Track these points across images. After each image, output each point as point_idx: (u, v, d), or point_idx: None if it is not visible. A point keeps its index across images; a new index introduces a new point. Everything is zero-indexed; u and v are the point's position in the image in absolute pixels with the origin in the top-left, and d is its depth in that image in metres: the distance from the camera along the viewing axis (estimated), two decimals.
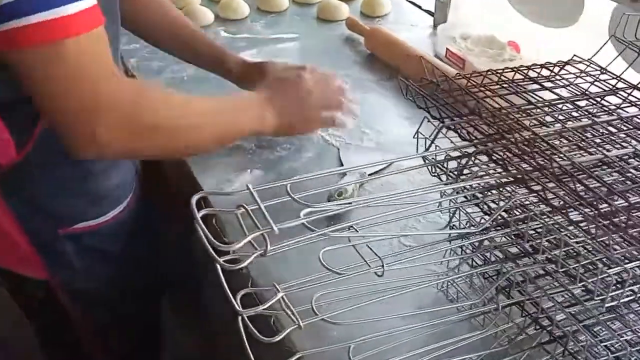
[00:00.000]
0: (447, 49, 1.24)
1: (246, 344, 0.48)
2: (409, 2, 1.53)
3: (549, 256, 0.51)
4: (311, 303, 0.50)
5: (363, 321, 0.54)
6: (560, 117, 0.58)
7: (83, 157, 0.63)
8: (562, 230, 0.47)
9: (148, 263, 0.97)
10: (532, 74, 0.67)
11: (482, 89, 0.62)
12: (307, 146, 0.95)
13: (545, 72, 0.68)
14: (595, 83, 0.67)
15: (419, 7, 1.51)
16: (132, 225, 0.88)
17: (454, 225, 0.63)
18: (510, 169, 0.51)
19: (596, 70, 0.69)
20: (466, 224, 0.63)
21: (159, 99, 0.68)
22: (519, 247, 0.56)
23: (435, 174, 0.62)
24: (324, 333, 0.63)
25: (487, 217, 0.62)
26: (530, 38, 1.26)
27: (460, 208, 0.59)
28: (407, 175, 0.84)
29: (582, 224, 0.48)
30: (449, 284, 0.69)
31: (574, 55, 0.72)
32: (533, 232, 0.53)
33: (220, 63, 0.97)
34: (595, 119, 0.56)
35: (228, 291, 0.44)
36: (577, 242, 0.47)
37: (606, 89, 0.66)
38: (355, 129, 0.99)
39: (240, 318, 0.49)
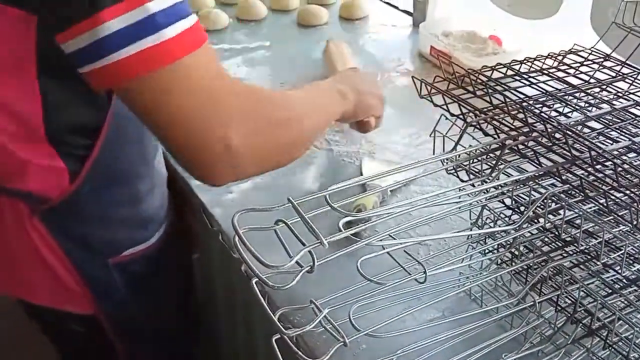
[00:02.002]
0: (431, 46, 1.23)
1: None
2: (386, 3, 1.53)
3: (587, 247, 0.50)
4: (349, 317, 0.48)
5: (401, 332, 0.52)
6: (579, 105, 0.57)
7: (222, 179, 0.58)
8: (601, 217, 0.46)
9: (182, 286, 0.96)
10: (536, 65, 0.67)
11: (492, 83, 0.61)
12: (305, 155, 0.93)
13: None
14: (600, 70, 0.67)
15: (396, 7, 1.51)
16: (171, 250, 0.87)
17: (478, 225, 0.62)
18: (543, 161, 0.50)
19: (599, 57, 0.69)
20: (490, 222, 0.62)
21: (270, 95, 0.66)
22: (554, 240, 0.55)
23: (455, 173, 0.61)
24: (353, 345, 0.61)
25: (507, 212, 0.62)
26: (509, 31, 1.26)
27: (487, 206, 0.58)
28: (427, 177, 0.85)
29: (620, 212, 0.47)
30: (472, 283, 0.68)
31: (575, 44, 0.72)
32: (568, 224, 0.51)
33: None
34: (614, 105, 0.56)
35: (270, 311, 0.41)
36: (618, 231, 0.46)
37: (612, 75, 0.66)
38: (352, 134, 0.98)
39: (274, 339, 0.47)
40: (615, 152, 0.48)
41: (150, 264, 0.83)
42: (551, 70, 0.63)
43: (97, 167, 0.69)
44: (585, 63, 0.68)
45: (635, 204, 0.44)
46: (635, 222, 0.45)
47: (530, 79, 0.61)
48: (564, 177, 0.49)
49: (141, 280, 0.83)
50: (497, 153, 0.54)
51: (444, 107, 0.57)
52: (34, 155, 0.65)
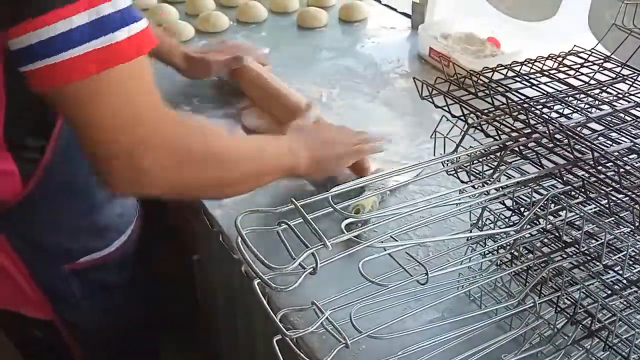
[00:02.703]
0: (430, 48, 1.24)
1: None
2: (385, 5, 1.53)
3: (588, 249, 0.50)
4: (351, 319, 0.48)
5: (401, 334, 0.52)
6: (579, 107, 0.58)
7: (126, 192, 0.59)
8: (602, 219, 0.46)
9: (151, 294, 0.94)
10: (536, 66, 0.67)
11: (494, 84, 0.61)
12: None
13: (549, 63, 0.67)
14: (601, 71, 0.67)
15: (395, 10, 1.51)
16: (136, 256, 0.85)
17: (478, 226, 0.62)
18: (544, 162, 0.50)
19: (599, 59, 0.69)
20: (490, 223, 0.62)
21: (205, 131, 0.64)
22: (554, 241, 0.55)
23: (455, 174, 0.61)
24: (353, 346, 0.61)
25: (507, 213, 0.62)
26: (507, 33, 1.27)
27: (487, 207, 0.58)
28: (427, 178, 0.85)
29: (622, 214, 0.47)
30: (471, 284, 0.68)
31: (575, 45, 0.72)
32: (568, 226, 0.52)
33: (169, 56, 1.04)
34: (615, 106, 0.56)
35: (272, 313, 0.41)
36: (619, 233, 0.46)
37: (612, 76, 0.66)
38: None
39: (275, 340, 0.47)
40: (617, 154, 0.48)
41: (111, 273, 0.81)
42: (551, 72, 0.63)
43: (50, 171, 0.68)
44: (585, 64, 0.68)
45: (637, 205, 0.44)
46: (636, 224, 0.45)
47: (531, 81, 0.61)
48: (565, 179, 0.49)
49: (101, 288, 0.82)
50: (498, 154, 0.54)
51: (445, 108, 0.57)
52: None
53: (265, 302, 0.42)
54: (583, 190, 0.47)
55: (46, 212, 0.72)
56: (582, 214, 0.47)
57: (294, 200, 0.41)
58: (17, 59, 0.50)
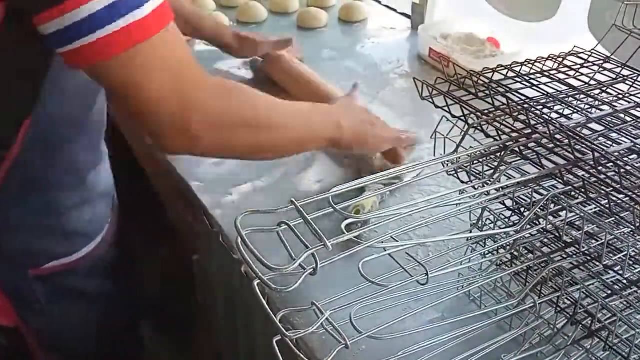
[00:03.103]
0: (430, 48, 1.24)
1: None
2: (385, 6, 1.54)
3: (588, 249, 0.50)
4: (351, 320, 0.48)
5: (401, 334, 0.52)
6: (580, 108, 0.58)
7: (177, 150, 0.62)
8: (603, 219, 0.46)
9: (126, 301, 0.91)
10: (535, 67, 0.67)
11: (494, 85, 0.61)
12: (304, 158, 0.94)
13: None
14: (601, 72, 0.67)
15: (395, 10, 1.51)
16: (109, 263, 0.83)
17: (478, 226, 0.62)
18: (544, 163, 0.50)
19: (599, 59, 0.69)
20: (490, 224, 0.62)
21: (245, 92, 0.66)
22: (555, 241, 0.55)
23: (455, 175, 0.61)
24: (353, 346, 0.61)
25: (507, 213, 0.62)
26: (507, 33, 1.27)
27: (487, 208, 0.58)
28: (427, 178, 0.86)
29: (622, 214, 0.47)
30: (471, 284, 0.68)
31: (575, 46, 0.72)
32: (569, 226, 0.51)
33: (220, 36, 1.09)
34: (615, 107, 0.56)
35: (271, 313, 0.41)
36: (619, 233, 0.46)
37: (613, 77, 0.66)
38: None
39: (275, 341, 0.47)
40: (617, 154, 0.48)
41: (79, 279, 0.79)
42: (552, 72, 0.63)
43: (15, 170, 0.66)
44: (585, 65, 0.68)
45: (638, 206, 0.44)
46: (637, 224, 0.45)
47: (531, 81, 0.61)
48: (565, 179, 0.49)
49: (68, 295, 0.79)
50: (499, 155, 0.54)
51: (445, 108, 0.57)
52: None
53: (265, 303, 0.42)
54: (583, 190, 0.47)
55: (7, 213, 0.70)
56: (582, 215, 0.47)
57: (293, 201, 0.41)
58: (53, 42, 0.53)
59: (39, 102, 0.64)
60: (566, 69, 0.66)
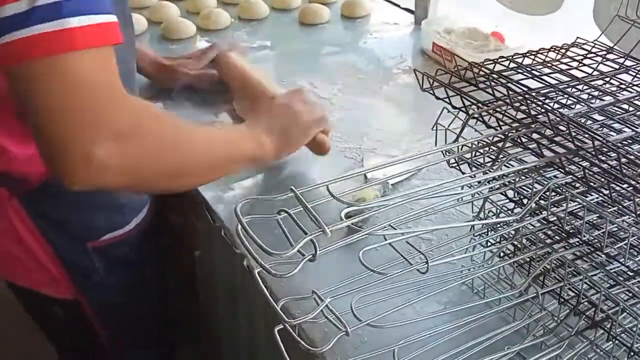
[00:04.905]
0: (433, 43, 1.23)
1: (285, 355, 0.46)
2: (387, 1, 1.53)
3: (590, 238, 0.49)
4: (351, 308, 0.48)
5: (402, 323, 0.52)
6: (582, 97, 0.57)
7: (75, 184, 0.56)
8: (604, 209, 0.46)
9: (162, 273, 0.98)
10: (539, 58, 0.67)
11: (495, 76, 0.61)
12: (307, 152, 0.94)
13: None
14: (604, 62, 0.67)
15: (398, 5, 1.51)
16: (150, 235, 0.88)
17: (480, 217, 0.61)
18: (544, 152, 0.50)
19: (602, 50, 0.69)
20: (493, 215, 0.62)
21: (163, 122, 0.63)
22: (557, 232, 0.54)
23: (457, 166, 0.60)
24: (355, 338, 0.61)
25: (511, 205, 0.61)
26: (511, 27, 1.26)
27: (489, 199, 0.57)
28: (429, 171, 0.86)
29: (624, 202, 0.46)
30: (474, 275, 0.68)
31: (577, 37, 0.72)
32: (570, 216, 0.51)
33: (139, 61, 0.98)
34: (617, 97, 0.56)
35: (272, 301, 0.41)
36: (621, 221, 0.45)
37: (615, 67, 0.66)
38: (354, 131, 0.99)
39: (276, 330, 0.47)
40: (619, 143, 0.48)
41: (131, 250, 0.85)
42: (554, 63, 0.63)
43: None
44: (588, 56, 0.67)
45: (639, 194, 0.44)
46: (638, 213, 0.45)
47: (533, 72, 0.61)
48: (567, 169, 0.49)
49: (122, 266, 0.85)
50: (500, 145, 0.54)
51: (446, 100, 0.57)
52: (11, 138, 0.66)
53: (266, 290, 0.42)
54: (584, 180, 0.47)
55: (67, 192, 0.71)
56: (583, 204, 0.47)
57: (293, 188, 0.41)
58: None
59: None
60: (569, 59, 0.66)
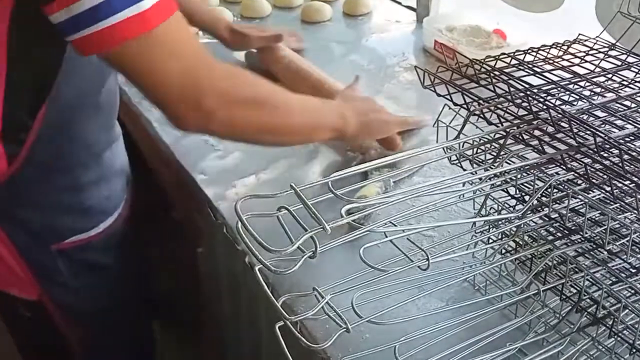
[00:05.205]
0: (435, 41, 1.23)
1: (286, 351, 0.46)
2: None
3: (592, 234, 0.49)
4: (352, 305, 0.48)
5: (404, 320, 0.52)
6: (584, 94, 0.57)
7: (191, 128, 0.64)
8: (606, 205, 0.46)
9: (140, 276, 0.96)
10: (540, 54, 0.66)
11: (496, 72, 0.61)
12: (308, 151, 0.94)
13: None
14: (606, 59, 0.66)
15: (400, 3, 1.51)
16: (124, 238, 0.87)
17: (481, 214, 0.61)
18: (545, 149, 0.50)
19: (604, 47, 0.69)
20: (494, 213, 0.62)
21: (253, 78, 0.70)
22: (559, 229, 0.54)
23: (458, 164, 0.60)
24: (356, 335, 0.61)
25: (513, 202, 0.61)
26: (513, 25, 1.26)
27: (491, 196, 0.57)
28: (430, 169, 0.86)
29: (626, 199, 0.46)
30: (475, 271, 0.68)
31: (579, 34, 0.72)
32: (572, 212, 0.51)
33: (213, 28, 1.09)
34: (619, 93, 0.56)
35: (272, 297, 0.41)
36: (622, 217, 0.45)
37: (618, 64, 0.66)
38: None
39: (277, 326, 0.47)
40: (621, 140, 0.48)
41: (99, 254, 0.84)
42: (556, 60, 0.63)
43: (34, 151, 0.70)
44: (590, 52, 0.67)
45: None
46: None
47: (535, 69, 0.61)
48: (568, 166, 0.48)
49: (87, 268, 0.83)
50: (501, 142, 0.54)
51: (447, 97, 0.57)
52: None
53: (266, 287, 0.42)
54: (586, 176, 0.46)
55: (30, 191, 0.74)
56: (585, 201, 0.47)
57: (293, 185, 0.41)
58: (63, 30, 0.56)
59: (55, 85, 0.67)
60: (570, 56, 0.66)
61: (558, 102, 0.56)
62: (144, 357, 1.06)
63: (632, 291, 0.53)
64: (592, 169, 0.46)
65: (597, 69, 0.64)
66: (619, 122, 0.55)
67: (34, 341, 0.94)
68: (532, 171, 0.53)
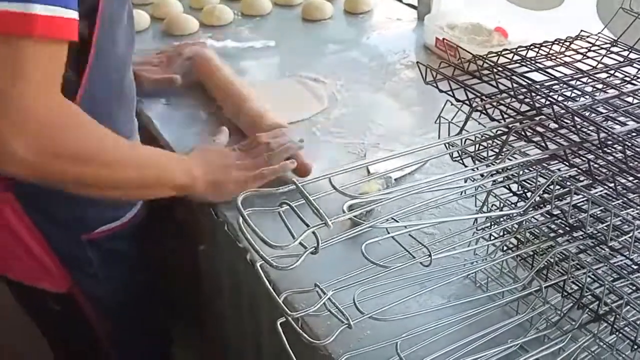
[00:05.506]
0: (436, 38, 1.23)
1: (288, 348, 0.46)
2: None
3: (594, 231, 0.49)
4: (354, 301, 0.48)
5: (405, 316, 0.52)
6: (586, 90, 0.57)
7: (5, 171, 0.57)
8: (609, 201, 0.45)
9: (157, 267, 0.98)
10: (542, 50, 0.66)
11: (499, 69, 0.60)
12: (312, 147, 0.94)
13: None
14: (609, 55, 0.66)
15: (400, 1, 1.51)
16: (144, 229, 0.88)
17: (483, 211, 0.61)
18: (549, 146, 0.49)
19: (606, 42, 0.69)
20: (496, 210, 0.62)
21: (90, 126, 0.64)
22: (561, 226, 0.54)
23: (460, 160, 0.60)
24: (358, 330, 0.61)
25: (514, 199, 0.61)
26: (514, 23, 1.26)
27: (493, 192, 0.57)
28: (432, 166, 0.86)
29: (629, 195, 0.46)
30: (477, 268, 0.68)
31: (581, 30, 0.71)
32: (574, 209, 0.51)
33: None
34: (622, 89, 0.55)
35: (274, 293, 0.41)
36: (625, 213, 0.45)
37: (620, 60, 0.65)
38: (357, 127, 0.98)
39: (278, 322, 0.47)
40: (624, 136, 0.48)
41: (125, 244, 0.85)
42: (558, 56, 0.62)
43: None
44: (592, 48, 0.67)
45: None
46: None
47: (537, 64, 0.60)
48: (571, 162, 0.48)
49: (116, 259, 0.84)
50: (503, 138, 0.53)
51: (450, 93, 0.57)
52: None
53: (267, 284, 0.42)
54: (589, 172, 0.46)
55: None
56: (588, 196, 0.47)
57: (294, 181, 0.41)
58: None
59: (84, 79, 0.67)
60: (573, 52, 0.66)
61: (560, 98, 0.56)
62: (163, 351, 1.08)
63: (634, 288, 0.53)
64: (595, 165, 0.46)
65: (600, 65, 0.63)
66: (621, 119, 0.55)
67: (63, 335, 0.95)
68: (534, 167, 0.53)
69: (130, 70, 0.79)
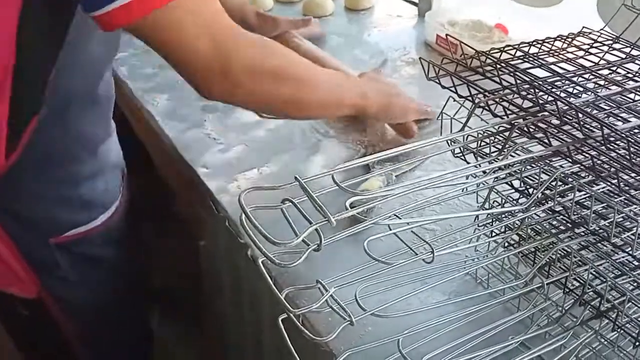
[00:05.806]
0: (437, 35, 1.23)
1: (289, 344, 0.46)
2: None
3: (597, 227, 0.49)
4: (356, 298, 0.48)
5: (407, 313, 0.52)
6: (589, 87, 0.57)
7: (215, 98, 0.65)
8: (612, 198, 0.45)
9: (139, 271, 0.96)
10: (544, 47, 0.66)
11: (501, 65, 0.60)
12: (311, 144, 0.93)
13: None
14: (611, 52, 0.66)
15: None
16: (122, 232, 0.87)
17: (485, 207, 0.61)
18: (552, 143, 0.49)
19: (608, 39, 0.69)
20: (498, 206, 0.62)
21: (281, 49, 0.70)
22: (563, 222, 0.54)
23: (462, 156, 0.60)
24: (359, 327, 0.61)
25: (516, 195, 0.61)
26: (515, 19, 1.26)
27: (495, 189, 0.57)
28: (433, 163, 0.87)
29: (632, 192, 0.46)
30: (478, 265, 0.67)
31: (583, 27, 0.71)
32: (577, 205, 0.51)
33: (243, 13, 1.09)
34: (624, 86, 0.55)
35: (276, 290, 0.41)
36: (628, 210, 0.45)
37: (622, 56, 0.65)
38: (358, 124, 0.98)
39: (280, 319, 0.47)
40: (628, 132, 0.48)
41: (97, 247, 0.84)
42: (560, 52, 0.62)
43: (32, 145, 0.69)
44: (594, 45, 0.67)
45: None
46: None
47: (540, 61, 0.60)
48: (574, 158, 0.48)
49: (86, 262, 0.83)
50: (506, 134, 0.53)
51: (452, 89, 0.57)
52: None
53: (270, 280, 0.42)
54: (593, 169, 0.46)
55: (28, 184, 0.73)
56: (591, 193, 0.47)
57: (297, 177, 0.41)
58: (89, 5, 0.57)
59: (53, 76, 0.66)
60: (575, 49, 0.66)
61: (563, 95, 0.56)
62: (142, 352, 1.06)
63: (636, 284, 0.53)
64: (598, 161, 0.46)
65: (602, 62, 0.63)
66: (624, 115, 0.55)
67: (32, 339, 0.93)
68: (537, 164, 0.52)
69: (109, 72, 0.79)
